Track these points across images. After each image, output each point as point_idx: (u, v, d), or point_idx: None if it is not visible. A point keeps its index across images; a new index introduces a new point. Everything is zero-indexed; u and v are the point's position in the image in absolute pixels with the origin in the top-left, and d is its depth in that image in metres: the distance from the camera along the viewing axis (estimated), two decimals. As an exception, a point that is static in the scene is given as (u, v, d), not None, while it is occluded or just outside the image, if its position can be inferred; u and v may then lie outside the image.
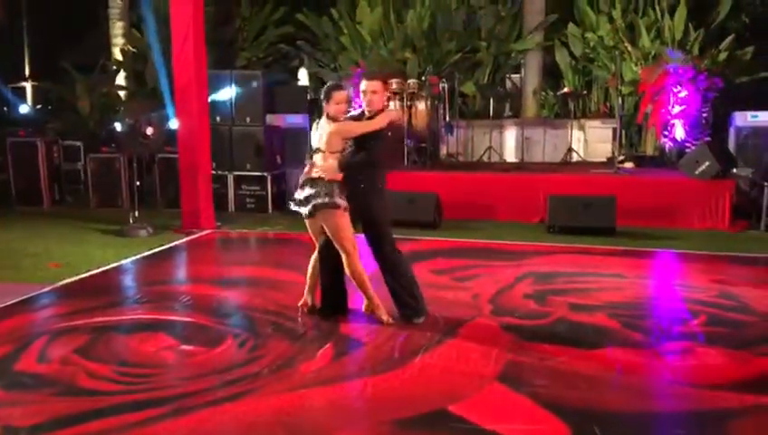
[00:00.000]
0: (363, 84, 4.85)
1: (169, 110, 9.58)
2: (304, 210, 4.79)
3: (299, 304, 5.25)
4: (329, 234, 4.81)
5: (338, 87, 4.85)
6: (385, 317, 4.91)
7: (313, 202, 4.71)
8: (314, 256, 5.13)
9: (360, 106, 4.99)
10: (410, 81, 10.51)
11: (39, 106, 14.26)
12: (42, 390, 3.87)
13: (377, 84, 4.80)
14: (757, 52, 11.21)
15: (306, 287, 5.23)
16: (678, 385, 3.97)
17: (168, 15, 8.75)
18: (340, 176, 4.71)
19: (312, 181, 4.74)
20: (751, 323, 5.06)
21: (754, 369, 4.17)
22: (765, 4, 12.10)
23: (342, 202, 4.72)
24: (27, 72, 15.63)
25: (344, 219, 4.75)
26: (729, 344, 4.53)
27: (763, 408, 3.65)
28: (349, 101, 4.94)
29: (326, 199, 4.68)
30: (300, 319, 5.08)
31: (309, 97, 11.93)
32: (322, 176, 4.70)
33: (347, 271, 4.87)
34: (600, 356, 4.33)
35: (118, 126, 8.96)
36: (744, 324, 5.02)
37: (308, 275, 5.20)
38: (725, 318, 5.14)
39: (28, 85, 15.46)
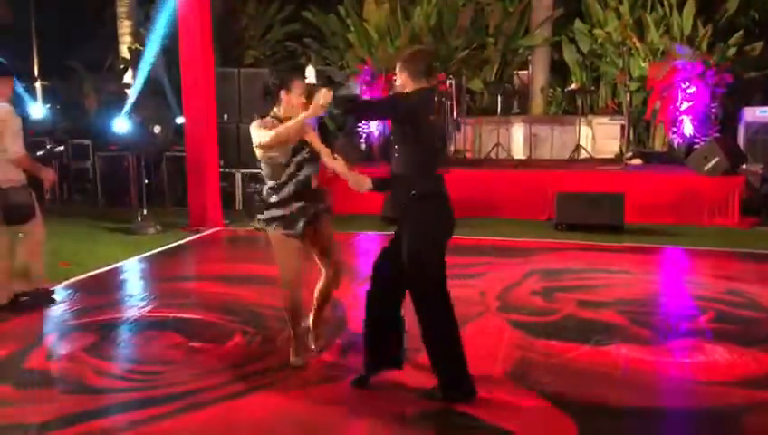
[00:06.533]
0: None
1: (177, 108, 9.59)
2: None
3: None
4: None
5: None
6: (292, 359, 4.14)
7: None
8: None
9: None
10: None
11: (48, 105, 14.33)
12: (50, 387, 3.90)
13: (397, 67, 3.95)
14: (766, 47, 11.14)
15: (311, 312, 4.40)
16: (686, 382, 3.96)
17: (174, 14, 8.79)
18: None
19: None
20: (759, 319, 5.04)
21: (763, 366, 4.14)
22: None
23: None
24: (36, 71, 15.71)
25: None
26: (737, 341, 4.51)
27: (772, 405, 3.63)
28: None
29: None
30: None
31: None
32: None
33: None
34: (607, 353, 4.32)
35: (123, 124, 8.94)
36: (752, 321, 5.00)
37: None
38: (734, 315, 5.12)
39: (38, 84, 15.54)
